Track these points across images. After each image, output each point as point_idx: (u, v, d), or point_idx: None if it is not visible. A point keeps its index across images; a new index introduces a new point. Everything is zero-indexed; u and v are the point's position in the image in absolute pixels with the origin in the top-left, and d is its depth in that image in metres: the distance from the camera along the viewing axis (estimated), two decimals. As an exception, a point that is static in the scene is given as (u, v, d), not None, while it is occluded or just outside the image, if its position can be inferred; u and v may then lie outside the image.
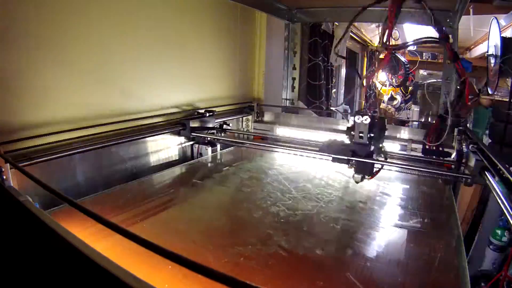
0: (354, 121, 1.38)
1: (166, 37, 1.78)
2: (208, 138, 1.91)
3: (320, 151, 1.49)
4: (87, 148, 1.36)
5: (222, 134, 2.01)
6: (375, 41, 5.70)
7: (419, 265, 0.99)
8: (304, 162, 1.81)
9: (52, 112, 1.30)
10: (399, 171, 1.61)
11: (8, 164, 1.02)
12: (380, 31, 1.48)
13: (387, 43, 1.55)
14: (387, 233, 1.18)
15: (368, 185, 1.59)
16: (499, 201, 0.99)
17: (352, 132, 1.40)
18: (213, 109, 2.03)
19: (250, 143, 1.79)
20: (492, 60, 1.94)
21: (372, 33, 5.31)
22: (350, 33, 3.80)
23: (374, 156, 1.45)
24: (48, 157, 1.22)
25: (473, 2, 2.16)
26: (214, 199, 1.44)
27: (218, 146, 2.00)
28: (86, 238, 0.94)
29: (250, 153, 1.99)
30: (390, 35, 1.53)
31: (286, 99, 2.77)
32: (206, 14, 2.08)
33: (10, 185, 1.02)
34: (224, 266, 0.92)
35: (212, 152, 1.94)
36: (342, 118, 1.37)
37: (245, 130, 2.57)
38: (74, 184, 1.37)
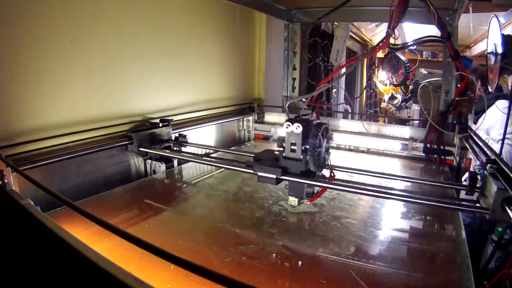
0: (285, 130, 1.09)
1: (165, 39, 1.78)
2: (158, 154, 1.58)
3: (247, 166, 1.21)
4: (85, 152, 1.36)
5: (182, 148, 1.72)
6: (375, 41, 5.69)
7: (423, 264, 0.99)
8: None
9: (52, 116, 1.30)
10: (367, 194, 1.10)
11: (9, 168, 1.02)
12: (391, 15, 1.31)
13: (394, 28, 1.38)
14: (389, 230, 1.17)
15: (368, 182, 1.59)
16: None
17: (283, 144, 1.10)
18: (170, 117, 1.76)
19: (201, 161, 1.57)
20: (492, 58, 1.94)
21: (371, 32, 5.31)
22: (350, 33, 3.80)
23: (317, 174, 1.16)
24: (49, 161, 1.23)
25: (472, 0, 2.16)
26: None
27: (175, 162, 1.70)
28: (87, 239, 0.95)
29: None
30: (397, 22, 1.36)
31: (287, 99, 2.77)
32: (206, 15, 2.08)
33: (11, 189, 1.02)
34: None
35: (167, 169, 1.66)
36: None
37: (245, 130, 2.57)
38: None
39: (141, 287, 0.46)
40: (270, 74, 2.77)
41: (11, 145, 1.15)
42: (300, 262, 0.97)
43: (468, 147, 1.64)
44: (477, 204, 1.09)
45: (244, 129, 2.57)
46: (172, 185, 1.62)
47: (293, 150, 1.09)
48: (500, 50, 1.66)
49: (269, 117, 2.62)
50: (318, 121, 1.14)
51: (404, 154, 2.14)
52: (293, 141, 1.07)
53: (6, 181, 1.01)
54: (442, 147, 2.00)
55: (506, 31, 2.83)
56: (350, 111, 4.92)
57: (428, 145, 2.03)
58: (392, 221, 1.25)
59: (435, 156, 2.04)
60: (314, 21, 2.58)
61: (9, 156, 1.12)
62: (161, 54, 1.76)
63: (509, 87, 2.34)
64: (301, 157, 1.08)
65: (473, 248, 1.15)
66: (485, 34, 3.35)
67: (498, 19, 1.74)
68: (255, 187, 1.53)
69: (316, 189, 1.16)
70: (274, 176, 1.10)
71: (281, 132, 1.09)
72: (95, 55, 1.42)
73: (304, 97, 1.25)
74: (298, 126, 1.05)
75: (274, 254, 0.99)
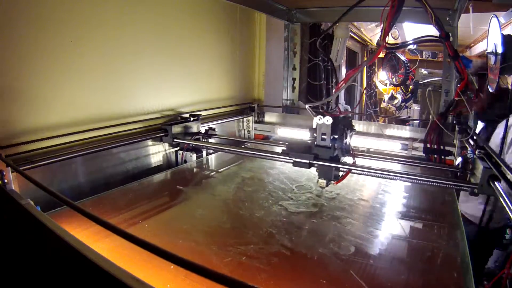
0: (316, 122, 1.28)
1: (165, 39, 1.78)
2: (192, 144, 1.81)
3: (282, 154, 1.42)
4: (86, 152, 1.36)
5: (209, 140, 1.92)
6: (375, 41, 5.69)
7: (423, 263, 0.99)
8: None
9: (52, 116, 1.30)
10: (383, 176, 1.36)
11: (9, 168, 1.02)
12: (382, 27, 1.34)
13: (384, 39, 1.39)
14: (389, 231, 1.17)
15: (369, 183, 1.59)
16: (510, 213, 0.89)
17: (314, 134, 1.31)
18: (199, 113, 1.93)
19: (231, 149, 1.76)
20: (492, 58, 1.94)
21: (372, 32, 5.31)
22: (350, 33, 3.80)
23: (341, 159, 1.36)
24: (49, 161, 1.23)
25: (472, 0, 2.16)
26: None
27: (204, 152, 1.91)
28: (87, 239, 0.95)
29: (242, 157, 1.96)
30: (388, 32, 1.38)
31: (287, 99, 2.78)
32: (205, 15, 2.08)
33: (11, 189, 1.02)
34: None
35: (197, 158, 1.86)
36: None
37: (245, 130, 2.57)
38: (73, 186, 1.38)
39: (141, 287, 0.46)
40: (270, 74, 2.77)
41: (11, 145, 1.15)
42: (300, 262, 0.97)
43: (468, 147, 1.64)
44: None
45: (244, 129, 2.57)
46: (201, 173, 1.78)
47: (323, 139, 1.29)
48: (500, 50, 1.66)
49: (269, 117, 2.62)
50: (343, 115, 1.33)
51: (404, 154, 2.14)
52: (324, 131, 1.27)
53: (6, 181, 1.01)
54: (442, 147, 2.00)
55: (506, 31, 2.83)
56: (349, 110, 4.92)
57: (428, 145, 2.03)
58: (391, 221, 1.25)
59: (435, 156, 2.04)
60: (314, 21, 2.58)
61: (9, 156, 1.12)
62: (161, 54, 1.76)
63: (509, 87, 2.33)
64: (330, 145, 1.29)
65: (475, 249, 1.15)
66: (485, 34, 3.34)
67: (498, 19, 1.74)
68: (255, 187, 1.53)
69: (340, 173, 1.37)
70: (308, 161, 1.32)
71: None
72: (95, 56, 1.42)
73: (328, 100, 1.38)
74: (329, 119, 1.24)
75: (274, 254, 0.99)
